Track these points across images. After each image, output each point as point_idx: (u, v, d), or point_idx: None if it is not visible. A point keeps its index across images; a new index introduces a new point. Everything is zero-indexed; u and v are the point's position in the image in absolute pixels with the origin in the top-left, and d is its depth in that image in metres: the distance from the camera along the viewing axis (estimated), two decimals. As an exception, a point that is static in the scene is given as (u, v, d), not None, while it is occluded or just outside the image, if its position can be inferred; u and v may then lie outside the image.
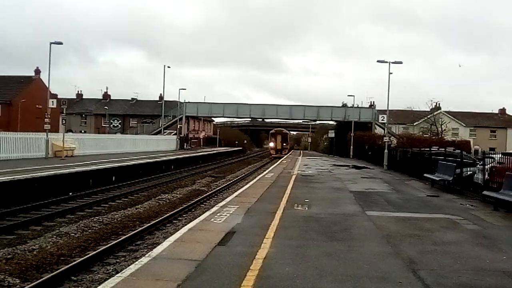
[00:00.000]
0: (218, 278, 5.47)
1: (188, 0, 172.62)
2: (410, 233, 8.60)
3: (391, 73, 30.53)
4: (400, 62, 31.06)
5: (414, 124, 51.06)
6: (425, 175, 18.58)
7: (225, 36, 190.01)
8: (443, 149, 20.77)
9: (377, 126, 49.45)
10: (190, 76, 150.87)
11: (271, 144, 53.41)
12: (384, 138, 31.22)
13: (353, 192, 14.92)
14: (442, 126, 47.69)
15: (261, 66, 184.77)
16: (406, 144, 32.52)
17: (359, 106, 54.91)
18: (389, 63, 30.25)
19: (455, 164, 16.00)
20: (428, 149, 21.99)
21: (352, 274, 5.84)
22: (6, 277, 7.21)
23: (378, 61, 30.43)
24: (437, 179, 16.86)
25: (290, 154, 52.94)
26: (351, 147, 45.04)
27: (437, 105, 54.98)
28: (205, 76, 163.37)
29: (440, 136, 43.65)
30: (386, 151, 29.06)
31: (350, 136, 45.46)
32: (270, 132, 54.99)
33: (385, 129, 36.09)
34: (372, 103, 58.42)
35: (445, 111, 56.53)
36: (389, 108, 32.27)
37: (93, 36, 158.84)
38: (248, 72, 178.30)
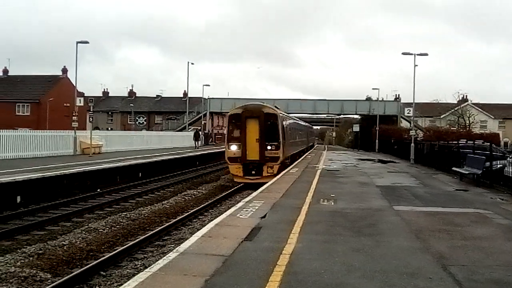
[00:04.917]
0: (245, 274, 5.47)
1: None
2: (439, 228, 8.40)
3: (417, 65, 29.91)
4: (426, 54, 30.37)
5: (441, 117, 49.94)
6: (453, 168, 18.17)
7: (239, 32, 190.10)
8: (472, 142, 20.27)
9: (402, 120, 48.63)
10: (206, 72, 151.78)
11: (232, 148, 19.61)
12: (411, 131, 30.65)
13: (379, 187, 14.70)
14: (470, 118, 46.51)
15: (278, 60, 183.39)
16: (433, 137, 31.89)
17: (383, 99, 54.03)
18: (414, 55, 29.61)
19: (484, 157, 15.58)
20: (456, 142, 21.53)
21: (381, 269, 5.75)
22: (38, 272, 7.42)
23: (403, 53, 29.76)
24: (466, 172, 16.45)
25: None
26: (377, 141, 44.41)
27: (464, 97, 53.62)
28: (222, 71, 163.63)
29: (468, 128, 42.64)
30: (412, 144, 28.53)
31: (375, 130, 44.82)
32: (229, 114, 21.46)
33: (411, 122, 35.39)
34: (397, 96, 57.40)
35: (473, 103, 55.00)
36: (415, 101, 31.59)
37: (110, 35, 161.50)
38: (265, 67, 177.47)
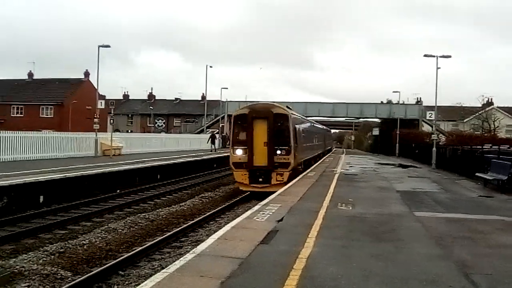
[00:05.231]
0: (261, 277, 5.43)
1: (219, 1, 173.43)
2: (461, 235, 8.19)
3: (439, 68, 29.32)
4: (449, 56, 29.63)
5: (464, 121, 48.91)
6: (477, 174, 17.73)
7: (258, 36, 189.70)
8: (497, 146, 19.77)
9: (424, 123, 47.82)
10: (225, 75, 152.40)
11: (237, 152, 17.49)
12: (432, 135, 30.11)
13: (399, 192, 14.46)
14: (495, 122, 45.39)
15: (297, 64, 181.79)
16: (455, 141, 31.22)
17: (404, 102, 53.29)
18: (437, 57, 28.96)
19: (510, 163, 15.16)
20: (480, 147, 21.02)
21: (400, 276, 5.62)
22: (59, 270, 7.57)
23: (425, 55, 29.18)
24: (490, 178, 16.03)
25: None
26: (397, 145, 43.79)
27: (489, 101, 52.37)
28: (241, 75, 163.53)
29: (492, 133, 41.57)
30: (434, 149, 27.97)
31: (396, 133, 44.20)
32: (234, 114, 18.81)
33: (433, 126, 34.78)
34: (418, 99, 56.51)
35: (498, 107, 53.66)
36: (437, 104, 31.00)
37: (130, 40, 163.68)
38: (283, 71, 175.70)
